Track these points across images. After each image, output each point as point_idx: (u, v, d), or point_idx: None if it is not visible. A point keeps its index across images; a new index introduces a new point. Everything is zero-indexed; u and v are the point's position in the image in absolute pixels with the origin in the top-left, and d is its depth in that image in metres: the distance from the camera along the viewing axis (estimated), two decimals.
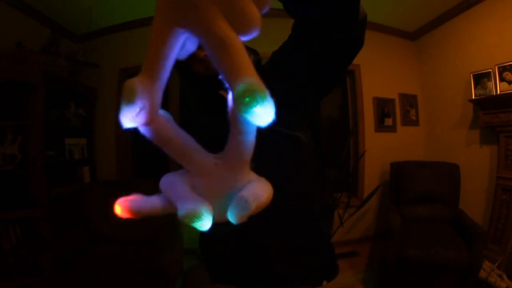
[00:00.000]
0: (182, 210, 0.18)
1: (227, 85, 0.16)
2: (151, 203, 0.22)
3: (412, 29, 3.02)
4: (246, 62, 0.15)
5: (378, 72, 2.94)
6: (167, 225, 1.93)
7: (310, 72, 0.57)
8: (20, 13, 2.14)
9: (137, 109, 0.16)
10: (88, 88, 2.58)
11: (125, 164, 2.69)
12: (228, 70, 0.15)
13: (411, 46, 3.13)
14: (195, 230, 0.19)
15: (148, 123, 0.18)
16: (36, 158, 1.94)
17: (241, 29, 0.16)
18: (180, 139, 0.20)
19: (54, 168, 2.14)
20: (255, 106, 0.14)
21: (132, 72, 2.65)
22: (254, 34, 0.17)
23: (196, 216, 0.17)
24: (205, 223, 0.18)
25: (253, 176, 0.22)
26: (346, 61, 0.55)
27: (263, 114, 0.14)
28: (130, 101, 0.16)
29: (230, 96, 0.18)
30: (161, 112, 0.19)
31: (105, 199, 2.03)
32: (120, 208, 0.21)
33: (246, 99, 0.14)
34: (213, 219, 0.18)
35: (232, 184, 0.21)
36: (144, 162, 2.80)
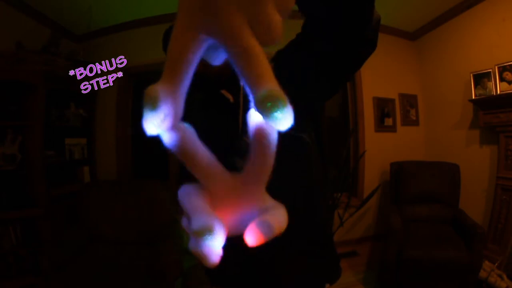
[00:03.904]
0: (196, 224, 0.17)
1: (249, 92, 0.16)
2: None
3: (412, 29, 3.02)
4: (267, 70, 0.16)
5: (378, 72, 2.93)
6: (167, 226, 1.93)
7: (317, 73, 0.55)
8: (20, 13, 2.14)
9: (162, 116, 0.16)
10: None
11: (125, 164, 2.69)
12: (250, 78, 0.16)
13: (411, 46, 3.13)
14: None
15: (172, 128, 0.17)
16: (36, 158, 1.94)
17: (263, 38, 0.16)
18: (201, 151, 0.20)
19: (54, 168, 2.14)
20: (276, 111, 0.15)
21: (133, 72, 2.65)
22: (274, 43, 0.17)
23: (209, 231, 0.17)
24: (217, 239, 0.17)
25: (269, 199, 0.21)
26: (357, 64, 0.54)
27: (283, 118, 0.15)
28: (154, 108, 0.16)
29: (252, 118, 0.19)
30: (184, 124, 0.19)
31: (105, 199, 2.03)
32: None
33: (268, 104, 0.15)
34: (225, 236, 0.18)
35: (249, 204, 0.21)
36: (144, 162, 2.80)
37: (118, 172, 2.65)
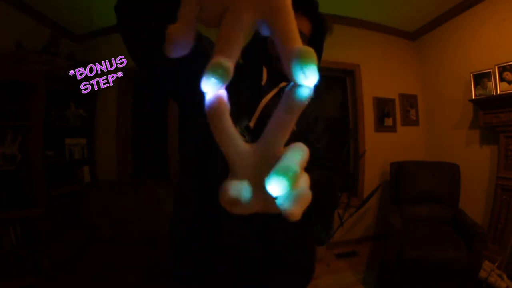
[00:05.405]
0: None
1: (282, 51, 0.19)
2: None
3: (412, 29, 3.02)
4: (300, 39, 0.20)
5: (378, 72, 2.93)
6: (168, 225, 1.92)
7: None
8: (20, 13, 2.14)
9: (225, 84, 0.19)
10: None
11: (125, 164, 2.69)
12: (290, 38, 0.20)
13: (411, 46, 3.13)
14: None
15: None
16: (36, 158, 1.94)
17: None
18: (229, 119, 0.21)
19: (54, 168, 2.14)
20: (308, 64, 0.18)
21: (133, 72, 2.64)
22: None
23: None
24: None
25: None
26: None
27: (313, 72, 0.18)
28: (223, 78, 0.19)
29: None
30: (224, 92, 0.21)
31: (105, 199, 2.03)
32: None
33: (302, 58, 0.18)
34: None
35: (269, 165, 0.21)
36: (144, 162, 2.80)
37: (118, 172, 2.65)
